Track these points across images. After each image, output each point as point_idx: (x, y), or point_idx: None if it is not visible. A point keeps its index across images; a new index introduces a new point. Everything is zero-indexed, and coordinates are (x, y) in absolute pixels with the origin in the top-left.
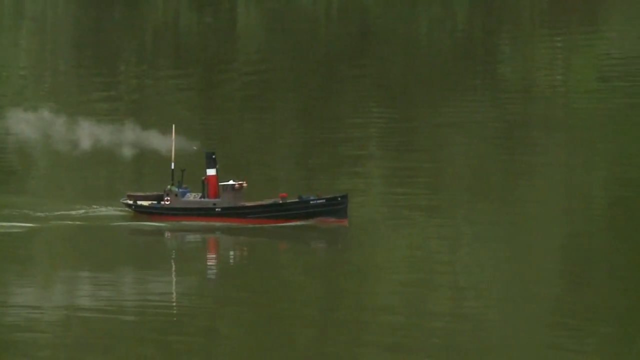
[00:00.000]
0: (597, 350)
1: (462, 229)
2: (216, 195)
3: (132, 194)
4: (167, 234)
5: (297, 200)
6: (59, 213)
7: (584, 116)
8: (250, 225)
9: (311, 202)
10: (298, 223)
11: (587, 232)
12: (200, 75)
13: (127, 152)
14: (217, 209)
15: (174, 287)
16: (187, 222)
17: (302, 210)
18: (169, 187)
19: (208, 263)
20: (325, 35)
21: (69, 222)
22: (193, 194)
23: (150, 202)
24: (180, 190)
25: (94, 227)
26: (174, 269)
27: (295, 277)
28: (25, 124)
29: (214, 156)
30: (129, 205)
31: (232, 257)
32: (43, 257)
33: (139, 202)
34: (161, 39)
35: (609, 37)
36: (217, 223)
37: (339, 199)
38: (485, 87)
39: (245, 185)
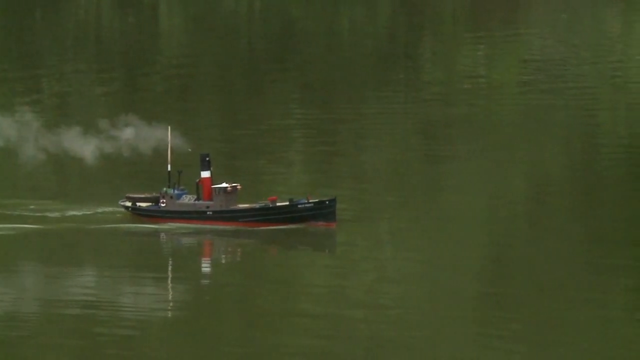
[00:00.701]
0: (518, 342)
1: (389, 229)
2: (210, 198)
3: (131, 195)
4: (163, 236)
5: (285, 203)
6: (56, 215)
7: (505, 115)
8: (241, 228)
9: (299, 205)
10: (287, 227)
11: (507, 229)
12: (123, 76)
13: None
14: (208, 212)
15: (158, 290)
16: (180, 225)
17: (290, 213)
18: (164, 189)
19: (198, 266)
20: (248, 35)
21: (66, 224)
22: (189, 196)
23: (148, 204)
24: (176, 192)
25: (89, 230)
26: (162, 271)
27: (280, 280)
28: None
29: (207, 158)
30: (126, 207)
31: (220, 260)
32: (32, 259)
33: (137, 204)
34: (83, 40)
35: (529, 38)
36: (210, 226)
37: (327, 202)
38: (407, 86)
39: (239, 187)
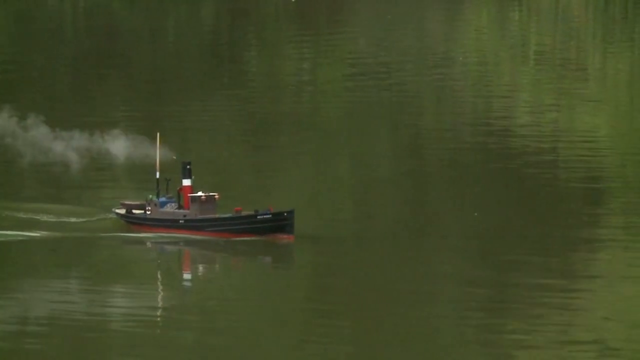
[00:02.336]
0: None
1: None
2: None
3: (125, 202)
4: (149, 244)
5: (242, 214)
6: (47, 221)
7: (330, 113)
8: (209, 238)
9: (258, 217)
10: (248, 238)
11: (333, 225)
12: None
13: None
14: (181, 221)
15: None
16: (157, 234)
17: (249, 224)
18: (150, 196)
19: (172, 275)
20: (72, 34)
21: (53, 232)
22: (173, 205)
23: (140, 212)
24: (161, 200)
25: (75, 237)
26: (122, 283)
27: (229, 293)
28: None
29: (188, 166)
30: (118, 214)
31: (180, 270)
32: (20, 267)
33: (132, 211)
34: None
35: (353, 37)
36: (182, 235)
37: (285, 214)
38: (232, 85)
39: (217, 197)
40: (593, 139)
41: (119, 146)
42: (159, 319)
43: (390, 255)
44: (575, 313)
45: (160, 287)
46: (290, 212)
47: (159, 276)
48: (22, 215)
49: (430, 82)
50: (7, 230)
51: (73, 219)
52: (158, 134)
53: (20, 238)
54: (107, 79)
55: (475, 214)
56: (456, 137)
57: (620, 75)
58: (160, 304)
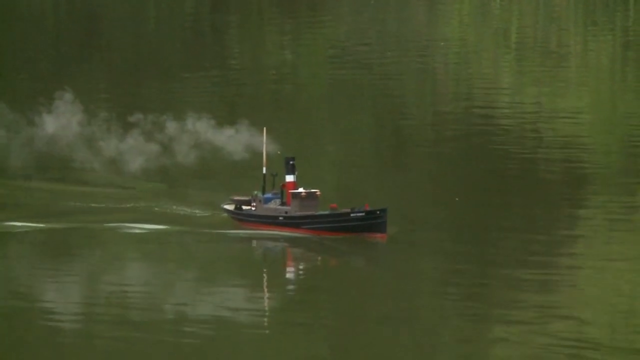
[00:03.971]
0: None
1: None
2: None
3: (235, 197)
4: (254, 242)
5: (337, 212)
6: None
7: (313, 98)
8: (305, 236)
9: (351, 215)
10: (341, 236)
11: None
12: None
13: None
14: (280, 218)
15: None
16: (256, 231)
17: (342, 223)
18: (255, 192)
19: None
20: (53, 22)
21: (160, 226)
22: (278, 201)
23: (248, 208)
24: (266, 196)
25: (187, 232)
26: (217, 278)
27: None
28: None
29: (292, 162)
30: (225, 210)
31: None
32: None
33: (241, 206)
34: None
35: (335, 24)
36: (279, 232)
37: (378, 212)
38: (214, 69)
39: (318, 193)
40: (575, 121)
41: (225, 139)
42: (262, 317)
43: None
44: (556, 291)
45: (257, 285)
46: (383, 211)
47: (255, 273)
48: (144, 206)
49: (412, 66)
50: (118, 222)
51: (190, 211)
52: (265, 129)
53: (138, 230)
54: (89, 62)
55: (457, 199)
56: (437, 121)
57: (601, 59)
58: (259, 303)
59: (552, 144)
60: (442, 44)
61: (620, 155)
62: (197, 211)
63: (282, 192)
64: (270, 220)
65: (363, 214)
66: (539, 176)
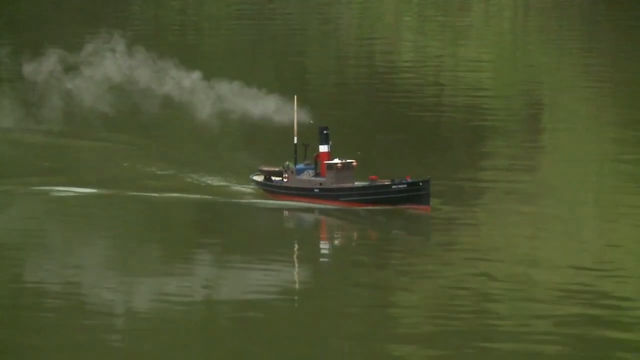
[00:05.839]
0: None
1: None
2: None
3: (263, 168)
4: (285, 213)
5: (377, 184)
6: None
7: (219, 46)
8: (343, 208)
9: (392, 187)
10: (382, 208)
11: None
12: None
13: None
14: (315, 190)
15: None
16: (289, 202)
17: (384, 194)
18: (287, 163)
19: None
20: None
21: (192, 195)
22: (312, 172)
23: (278, 179)
24: (298, 167)
25: (218, 202)
26: (250, 253)
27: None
28: None
29: (326, 131)
30: (255, 182)
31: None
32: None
33: (271, 177)
34: None
35: None
36: (315, 205)
37: (420, 184)
38: (116, 26)
39: (354, 164)
40: (477, 70)
41: (260, 106)
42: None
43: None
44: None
45: (295, 259)
46: (426, 182)
47: (292, 247)
48: (171, 175)
49: (314, 22)
50: (151, 192)
51: (217, 182)
52: (295, 97)
53: (166, 199)
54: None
55: (359, 152)
56: (340, 76)
57: (503, 12)
58: (296, 277)
59: (454, 91)
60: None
61: (520, 103)
62: (225, 182)
63: (315, 163)
64: (305, 192)
65: (405, 185)
66: (443, 126)
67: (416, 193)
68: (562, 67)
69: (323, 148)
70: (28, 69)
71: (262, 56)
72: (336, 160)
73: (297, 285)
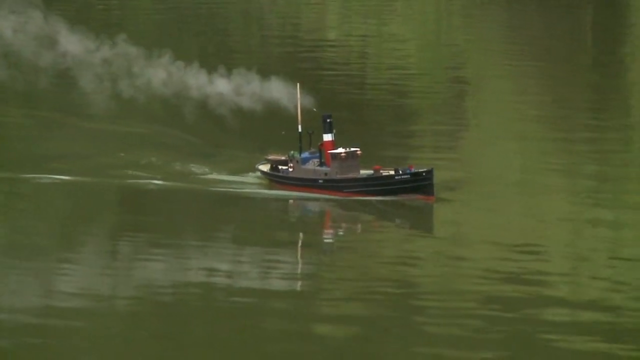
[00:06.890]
0: None
1: None
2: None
3: (269, 157)
4: (290, 201)
5: (381, 174)
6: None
7: (143, 28)
8: (345, 199)
9: (396, 177)
10: (385, 198)
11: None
12: None
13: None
14: (320, 181)
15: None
16: (292, 193)
17: (388, 185)
18: (292, 152)
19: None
20: None
21: (199, 185)
22: (317, 161)
23: (284, 168)
24: (303, 156)
25: (221, 192)
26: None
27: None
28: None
29: (329, 120)
30: (260, 171)
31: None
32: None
33: (277, 166)
34: None
35: None
36: (319, 195)
37: (424, 174)
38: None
39: (359, 153)
40: (401, 48)
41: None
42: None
43: None
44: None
45: (298, 249)
46: (429, 172)
47: (296, 237)
48: (178, 167)
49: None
50: (158, 180)
51: (220, 176)
52: (298, 84)
53: (169, 188)
54: None
55: (283, 132)
56: (265, 51)
57: None
58: (301, 269)
59: (378, 67)
60: None
61: (442, 80)
62: (228, 175)
63: (320, 152)
64: (310, 183)
65: (409, 175)
66: (367, 103)
67: (420, 183)
68: (486, 47)
69: (327, 137)
70: None
71: (187, 34)
72: (340, 150)
73: (298, 275)
